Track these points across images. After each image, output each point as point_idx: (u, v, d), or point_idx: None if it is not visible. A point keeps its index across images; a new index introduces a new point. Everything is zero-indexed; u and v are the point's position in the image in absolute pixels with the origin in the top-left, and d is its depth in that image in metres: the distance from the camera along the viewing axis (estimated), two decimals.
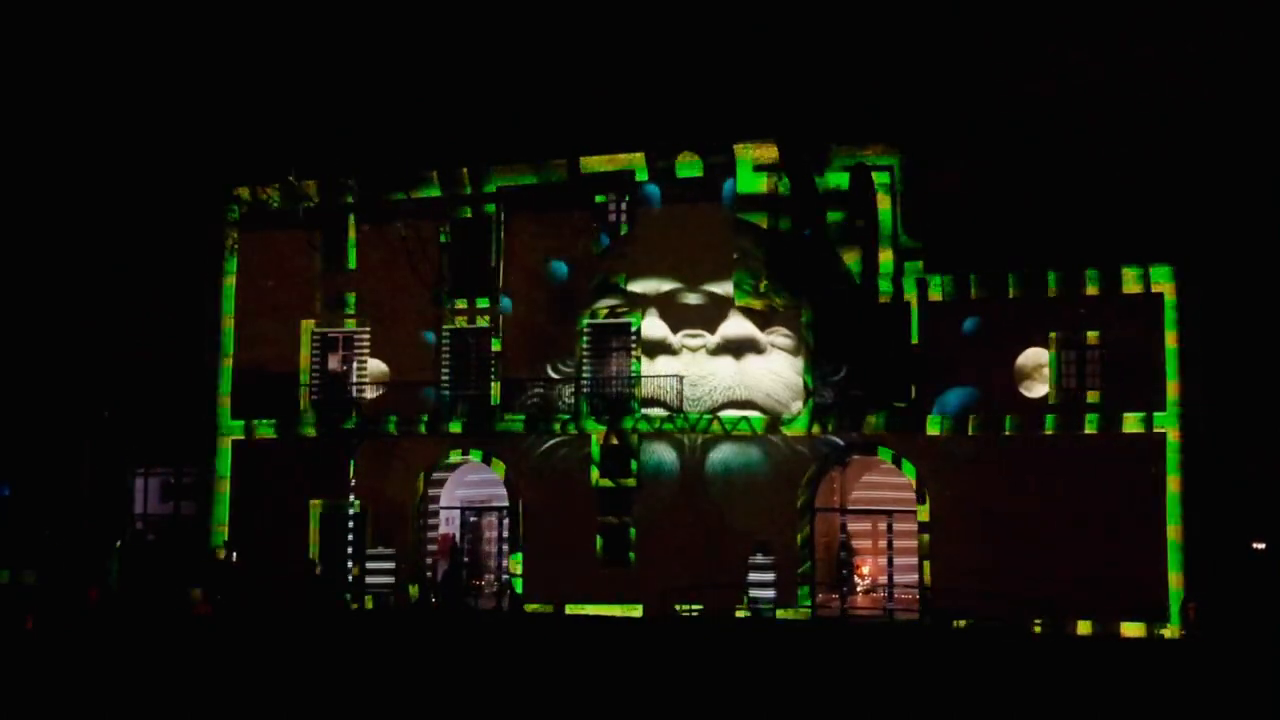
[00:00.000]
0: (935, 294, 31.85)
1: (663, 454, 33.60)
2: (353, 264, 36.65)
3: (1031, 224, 31.03)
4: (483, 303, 35.45)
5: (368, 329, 36.39)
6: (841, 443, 32.37)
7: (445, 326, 35.74)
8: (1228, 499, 30.04)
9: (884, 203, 32.43)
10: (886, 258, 32.30)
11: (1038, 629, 29.24)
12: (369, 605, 33.84)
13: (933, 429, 31.55)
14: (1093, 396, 30.60)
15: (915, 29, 34.11)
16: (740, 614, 31.44)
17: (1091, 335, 30.65)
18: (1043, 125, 31.55)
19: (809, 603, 32.07)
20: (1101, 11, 31.74)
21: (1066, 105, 31.39)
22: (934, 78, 33.22)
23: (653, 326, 34.04)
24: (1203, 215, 30.40)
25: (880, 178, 32.47)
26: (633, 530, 33.53)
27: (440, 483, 36.50)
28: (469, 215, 35.91)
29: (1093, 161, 30.87)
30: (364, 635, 28.36)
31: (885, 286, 32.24)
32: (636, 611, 32.59)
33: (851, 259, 32.56)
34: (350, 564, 33.52)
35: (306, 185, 36.80)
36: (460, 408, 35.33)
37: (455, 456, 35.51)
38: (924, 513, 31.56)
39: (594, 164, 34.76)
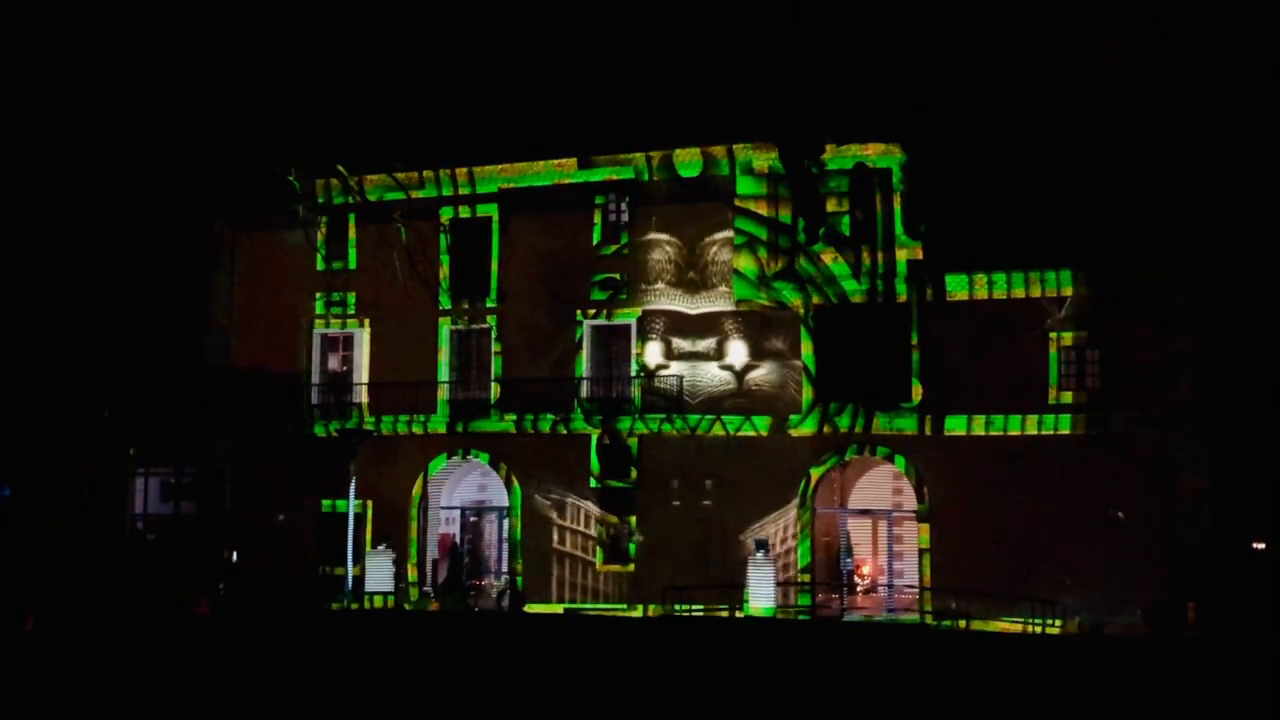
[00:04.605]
0: (936, 294, 31.84)
1: (662, 454, 33.59)
2: (353, 264, 36.66)
3: (1033, 224, 31.02)
4: (484, 303, 35.49)
5: (368, 329, 36.39)
6: (841, 445, 32.40)
7: (445, 326, 35.74)
8: (1229, 499, 30.04)
9: (884, 202, 32.43)
10: (887, 257, 32.30)
11: (1036, 628, 29.23)
12: (372, 605, 33.81)
13: (933, 429, 31.53)
14: (1091, 398, 30.60)
15: (914, 31, 34.09)
16: (740, 614, 31.44)
17: (1094, 335, 30.66)
18: (1045, 125, 31.52)
19: (809, 602, 32.09)
20: (1099, 13, 31.73)
21: (1068, 104, 31.36)
22: (936, 78, 33.20)
23: (653, 327, 34.04)
24: (1207, 215, 30.37)
25: (881, 177, 32.48)
26: (634, 529, 33.56)
27: (440, 482, 36.51)
28: (468, 215, 35.92)
29: (1095, 161, 30.83)
30: (364, 635, 28.33)
31: (885, 286, 32.24)
32: (637, 611, 32.61)
33: (852, 259, 32.57)
34: (350, 564, 33.48)
35: (309, 184, 36.80)
36: (460, 408, 35.34)
37: (456, 457, 35.54)
38: (924, 513, 31.58)
39: (594, 164, 34.78)
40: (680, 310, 33.88)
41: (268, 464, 36.25)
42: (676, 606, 31.47)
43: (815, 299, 32.76)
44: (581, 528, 34.06)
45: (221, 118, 37.91)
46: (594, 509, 34.04)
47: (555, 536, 34.24)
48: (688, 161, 34.03)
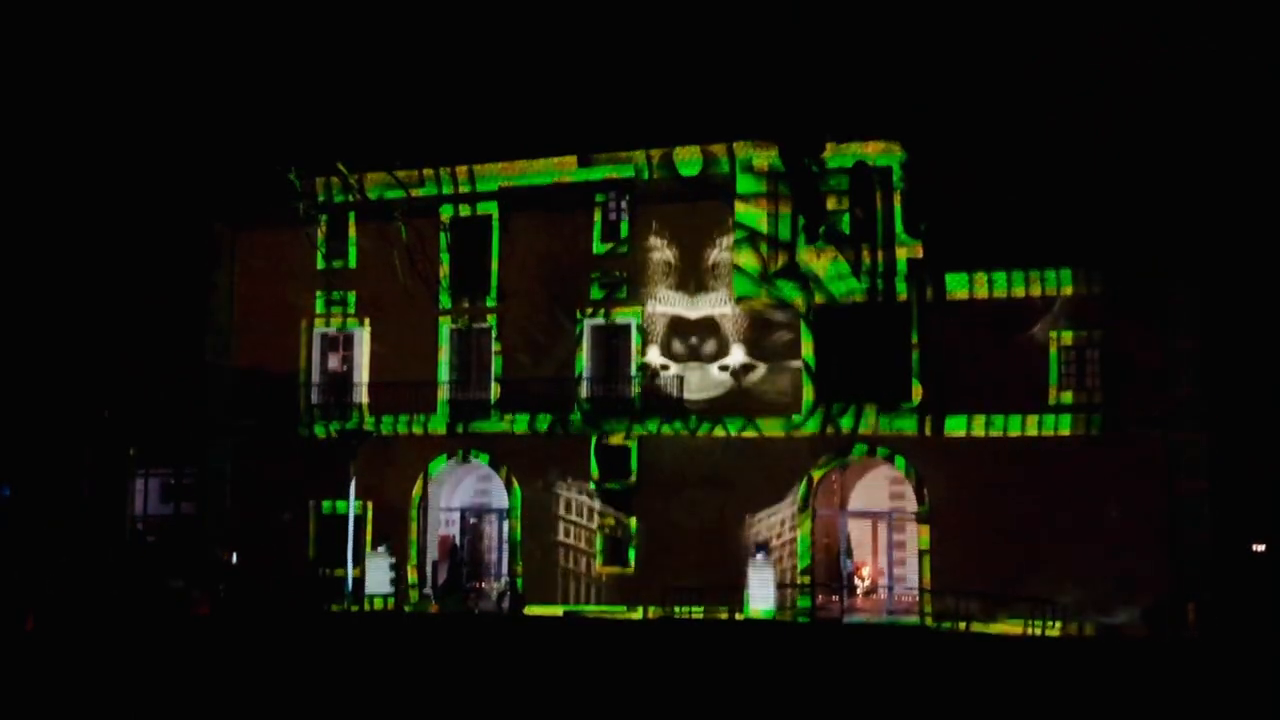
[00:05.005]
0: (935, 293, 31.81)
1: (662, 455, 33.57)
2: (353, 263, 36.67)
3: (1033, 224, 31.00)
4: (484, 302, 35.48)
5: (368, 328, 36.39)
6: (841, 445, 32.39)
7: (445, 326, 35.73)
8: (1229, 499, 30.02)
9: (884, 201, 32.39)
10: (887, 256, 32.27)
11: (1036, 629, 29.22)
12: (372, 606, 33.80)
13: (933, 429, 31.51)
14: (1091, 398, 30.60)
15: (914, 30, 34.06)
16: (740, 616, 31.43)
17: (1094, 335, 30.64)
18: (1045, 124, 31.50)
19: (809, 604, 32.08)
20: (1100, 13, 31.72)
21: (1068, 104, 31.34)
22: (936, 78, 33.18)
23: (653, 326, 34.02)
24: (1207, 215, 30.35)
25: (881, 176, 32.44)
26: (633, 531, 33.55)
27: (440, 482, 36.49)
28: (469, 214, 35.90)
29: (1095, 161, 30.82)
30: (364, 637, 28.34)
31: (885, 285, 32.20)
32: (637, 614, 32.60)
33: (852, 257, 32.53)
34: (350, 565, 33.49)
35: (309, 184, 36.80)
36: (460, 408, 35.33)
37: (456, 458, 35.54)
38: (924, 514, 31.56)
39: (594, 162, 34.74)
40: (680, 310, 33.85)
41: (268, 464, 36.23)
42: (676, 608, 31.45)
43: (815, 298, 32.71)
44: (581, 529, 34.04)
45: (222, 118, 37.87)
46: (594, 510, 34.02)
47: (555, 538, 34.22)
48: (688, 160, 34.00)
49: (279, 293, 37.01)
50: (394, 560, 34.11)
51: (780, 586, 31.66)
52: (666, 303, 33.96)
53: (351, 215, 36.78)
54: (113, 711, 18.48)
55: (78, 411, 37.39)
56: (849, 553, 34.77)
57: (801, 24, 35.52)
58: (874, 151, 32.55)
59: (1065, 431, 30.58)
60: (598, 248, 34.67)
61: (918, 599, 31.70)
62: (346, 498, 33.61)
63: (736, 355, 33.29)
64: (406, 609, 33.97)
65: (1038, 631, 29.13)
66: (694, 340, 33.69)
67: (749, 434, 32.95)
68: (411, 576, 34.97)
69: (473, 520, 37.44)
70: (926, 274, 31.93)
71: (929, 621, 30.63)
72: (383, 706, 18.80)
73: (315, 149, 36.29)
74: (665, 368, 33.81)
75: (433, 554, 35.97)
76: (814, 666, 23.58)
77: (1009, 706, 19.34)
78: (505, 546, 35.66)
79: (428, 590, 35.14)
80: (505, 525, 35.66)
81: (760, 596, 31.25)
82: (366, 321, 36.50)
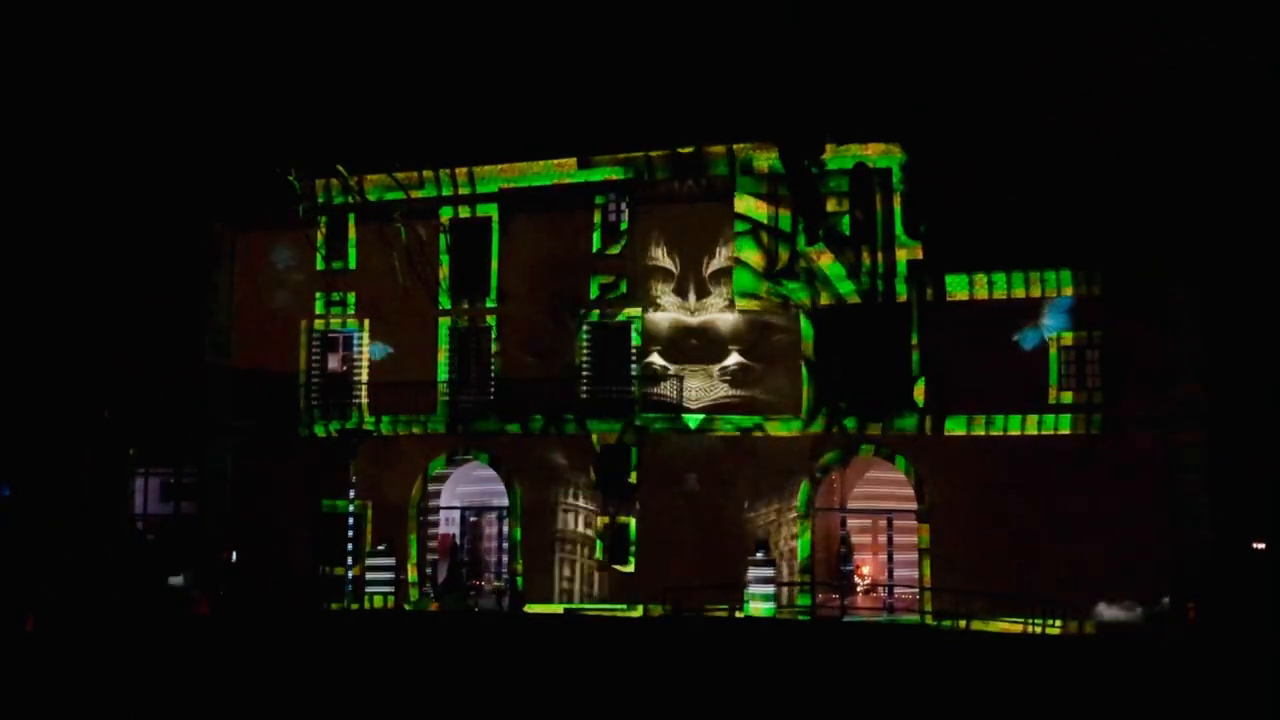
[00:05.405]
0: (936, 294, 31.83)
1: (662, 455, 33.58)
2: (353, 264, 36.69)
3: (1033, 224, 31.03)
4: (484, 303, 35.51)
5: (367, 329, 36.41)
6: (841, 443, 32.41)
7: (445, 326, 35.74)
8: (1229, 499, 30.04)
9: (884, 202, 32.42)
10: (887, 258, 32.30)
11: (1036, 628, 29.23)
12: (372, 605, 33.81)
13: (933, 429, 31.52)
14: (1091, 398, 30.61)
15: (914, 31, 34.10)
16: (740, 614, 31.43)
17: (1094, 335, 30.66)
18: (1045, 125, 31.53)
19: (809, 603, 32.09)
20: (1100, 13, 31.75)
21: (1068, 104, 31.37)
22: (936, 78, 33.22)
23: (653, 326, 34.03)
24: (1207, 215, 30.38)
25: (881, 177, 32.46)
26: (633, 530, 33.56)
27: (440, 482, 36.52)
28: (468, 215, 35.92)
29: (1095, 161, 30.85)
30: (363, 635, 28.34)
31: (885, 286, 32.23)
32: (637, 612, 32.61)
33: (852, 259, 32.56)
34: (350, 564, 33.52)
35: (309, 184, 36.83)
36: (460, 408, 35.35)
37: (455, 457, 35.56)
38: (924, 513, 31.58)
39: (594, 164, 34.75)
40: (680, 310, 33.86)
41: (268, 464, 36.25)
42: (676, 606, 31.43)
43: (816, 299, 32.74)
44: (581, 528, 34.07)
45: (222, 118, 37.90)
46: (594, 509, 34.05)
47: (555, 537, 34.24)
48: (688, 162, 33.99)
49: (279, 293, 37.06)
50: (392, 561, 34.11)
51: (780, 585, 31.66)
52: (666, 303, 33.97)
53: (351, 217, 36.82)
54: (113, 711, 18.48)
55: (78, 411, 37.39)
56: (849, 551, 34.77)
57: (801, 25, 35.56)
58: (874, 153, 32.58)
59: (1065, 431, 30.61)
60: (597, 249, 34.68)
61: (917, 598, 31.72)
62: (346, 497, 33.69)
63: (736, 355, 33.30)
64: (407, 607, 33.98)
65: (1038, 630, 29.13)
66: (694, 340, 33.69)
67: (749, 434, 32.95)
68: (412, 575, 34.98)
69: (473, 519, 37.47)
70: (926, 275, 31.96)
71: (929, 620, 30.63)
72: (383, 705, 18.81)
73: (315, 150, 36.39)
74: (665, 368, 33.83)
75: (433, 553, 35.99)
76: (814, 665, 23.58)
77: (1009, 706, 19.35)
78: (505, 545, 35.69)
79: (427, 588, 35.15)
80: (505, 524, 35.68)
81: (760, 595, 31.23)
82: (366, 322, 36.50)
